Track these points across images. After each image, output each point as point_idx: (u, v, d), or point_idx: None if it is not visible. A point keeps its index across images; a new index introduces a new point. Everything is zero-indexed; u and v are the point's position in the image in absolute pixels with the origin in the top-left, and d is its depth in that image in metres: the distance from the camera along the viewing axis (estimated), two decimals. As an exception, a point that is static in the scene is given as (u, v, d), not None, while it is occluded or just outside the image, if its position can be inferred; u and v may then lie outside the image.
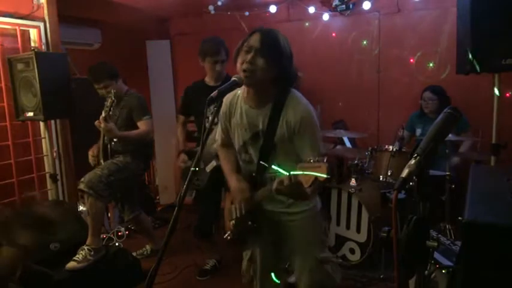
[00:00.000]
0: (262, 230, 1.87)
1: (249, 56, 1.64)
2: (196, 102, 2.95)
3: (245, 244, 2.02)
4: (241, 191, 1.81)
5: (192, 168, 1.56)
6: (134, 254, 3.32)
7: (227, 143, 1.99)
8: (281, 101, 1.74)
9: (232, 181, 1.87)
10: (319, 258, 1.89)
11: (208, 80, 3.02)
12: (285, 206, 1.84)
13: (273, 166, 1.78)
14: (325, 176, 1.35)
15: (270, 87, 1.73)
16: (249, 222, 1.82)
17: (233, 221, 1.89)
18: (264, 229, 1.88)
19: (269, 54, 1.64)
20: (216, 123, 2.00)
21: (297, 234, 1.89)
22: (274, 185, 1.57)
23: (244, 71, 1.65)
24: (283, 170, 1.70)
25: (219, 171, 2.78)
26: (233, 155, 1.97)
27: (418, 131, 3.65)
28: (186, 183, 1.51)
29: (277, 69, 1.68)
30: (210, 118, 1.69)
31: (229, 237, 1.92)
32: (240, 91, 1.86)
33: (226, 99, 1.90)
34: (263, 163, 1.79)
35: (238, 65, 1.70)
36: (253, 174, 1.84)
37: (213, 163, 2.81)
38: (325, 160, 1.39)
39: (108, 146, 3.11)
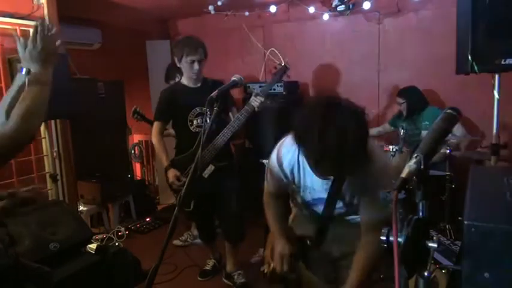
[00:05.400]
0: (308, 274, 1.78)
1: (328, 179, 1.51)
2: (175, 106, 2.80)
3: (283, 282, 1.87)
4: (281, 257, 1.71)
5: (193, 169, 1.55)
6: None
7: (279, 194, 1.82)
8: None
9: (277, 238, 1.77)
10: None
11: (187, 82, 2.85)
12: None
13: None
14: None
15: None
16: (290, 274, 1.75)
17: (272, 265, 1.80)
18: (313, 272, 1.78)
19: (344, 175, 1.49)
20: (213, 126, 1.92)
21: None
22: None
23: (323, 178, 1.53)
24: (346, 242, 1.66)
25: (217, 173, 2.70)
26: (281, 205, 1.84)
27: (402, 131, 3.70)
28: (186, 184, 1.51)
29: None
30: (209, 120, 1.62)
31: (264, 271, 1.83)
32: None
33: (284, 151, 1.65)
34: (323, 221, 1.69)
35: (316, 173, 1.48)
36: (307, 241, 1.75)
37: (211, 167, 2.70)
38: None
39: None
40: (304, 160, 1.50)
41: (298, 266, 1.78)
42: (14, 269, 1.33)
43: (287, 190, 1.76)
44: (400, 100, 3.68)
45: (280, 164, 1.66)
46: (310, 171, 1.52)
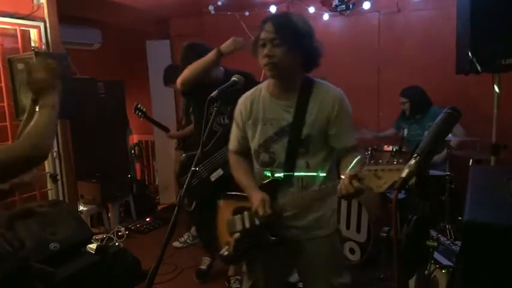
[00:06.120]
0: (274, 248, 1.67)
1: (266, 50, 1.56)
2: (197, 96, 2.65)
3: (245, 260, 1.80)
4: (263, 202, 1.61)
5: (193, 168, 1.54)
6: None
7: (241, 150, 1.83)
8: (308, 88, 1.66)
9: (252, 191, 1.69)
10: (336, 285, 1.70)
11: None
12: (315, 226, 1.68)
13: (300, 166, 1.63)
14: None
15: (298, 73, 1.67)
16: (270, 237, 1.62)
17: (237, 234, 1.67)
18: (277, 248, 1.67)
19: (286, 41, 1.56)
20: (216, 125, 1.92)
21: (319, 255, 1.71)
22: (346, 180, 1.34)
23: (265, 65, 1.59)
24: (313, 170, 1.61)
25: (225, 180, 2.61)
26: (247, 163, 1.82)
27: (405, 132, 3.71)
28: (185, 185, 1.50)
29: (299, 53, 1.62)
30: (210, 120, 1.60)
31: (226, 253, 1.71)
32: (262, 85, 1.76)
33: (245, 97, 1.78)
34: (289, 163, 1.64)
35: (259, 60, 1.62)
36: (275, 177, 1.66)
37: (219, 171, 2.64)
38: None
39: None
40: (264, 94, 1.71)
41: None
42: (24, 270, 1.35)
43: (248, 145, 1.78)
44: (404, 99, 3.67)
45: (242, 111, 1.76)
46: (269, 100, 1.68)
